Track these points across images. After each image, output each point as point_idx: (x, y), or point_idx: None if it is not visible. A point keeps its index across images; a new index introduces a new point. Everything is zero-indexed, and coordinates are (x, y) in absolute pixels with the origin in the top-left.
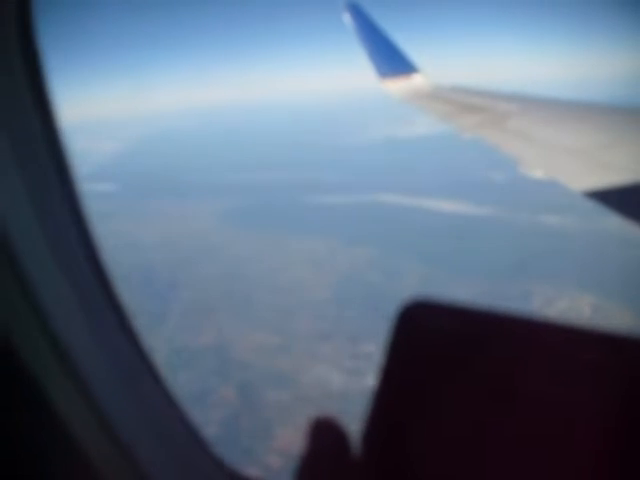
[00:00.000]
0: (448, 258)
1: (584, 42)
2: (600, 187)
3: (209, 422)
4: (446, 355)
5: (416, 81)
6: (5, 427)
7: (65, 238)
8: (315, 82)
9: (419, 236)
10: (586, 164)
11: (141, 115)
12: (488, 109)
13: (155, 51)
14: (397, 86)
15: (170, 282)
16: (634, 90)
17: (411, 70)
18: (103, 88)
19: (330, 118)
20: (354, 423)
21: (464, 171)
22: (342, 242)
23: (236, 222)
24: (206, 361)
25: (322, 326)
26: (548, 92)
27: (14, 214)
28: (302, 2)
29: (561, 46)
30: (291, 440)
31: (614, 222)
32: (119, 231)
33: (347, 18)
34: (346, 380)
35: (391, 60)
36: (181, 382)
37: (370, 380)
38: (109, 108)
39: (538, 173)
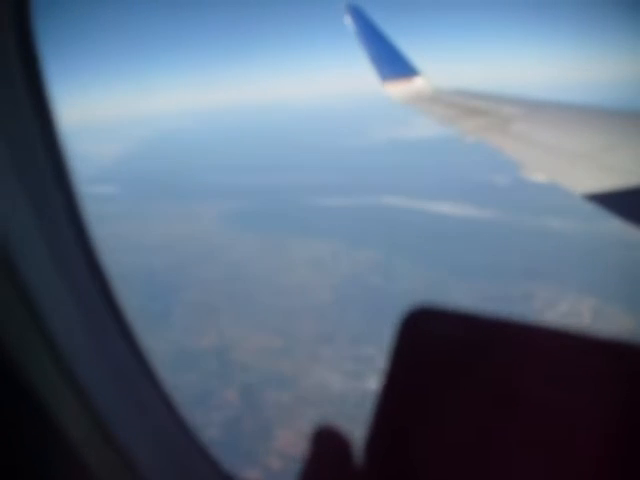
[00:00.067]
0: (450, 261)
1: (588, 45)
2: (602, 190)
3: (210, 424)
4: (450, 361)
5: (418, 84)
6: (1, 431)
7: (64, 242)
8: (317, 84)
9: (421, 239)
10: (588, 167)
11: (142, 117)
12: (491, 112)
13: (156, 53)
14: (399, 89)
15: (172, 284)
16: (638, 93)
17: (413, 73)
18: (104, 91)
19: (332, 120)
20: (355, 425)
21: (467, 174)
22: (344, 244)
23: (238, 224)
24: (208, 363)
25: (324, 329)
26: (551, 95)
27: (13, 218)
28: (303, 4)
29: (565, 49)
30: (292, 442)
31: (615, 225)
32: (120, 233)
33: (348, 20)
34: (347, 383)
35: (393, 63)
36: (183, 384)
37: (371, 383)
38: (110, 111)
39: (540, 176)
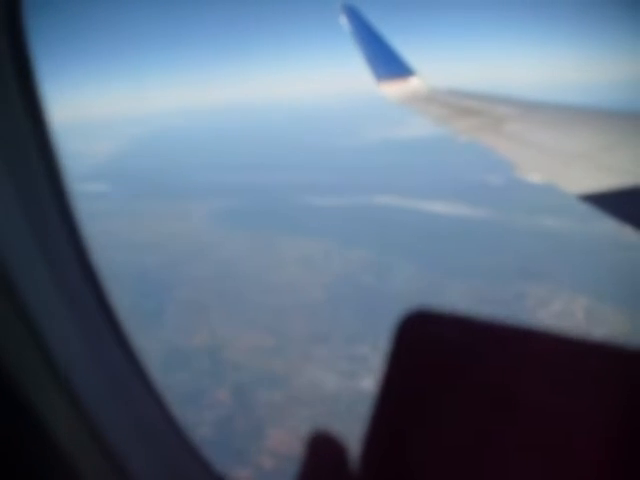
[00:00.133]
0: (443, 260)
1: (584, 46)
2: (596, 190)
3: (202, 423)
4: (447, 364)
5: (413, 84)
6: None
7: (55, 240)
8: (311, 84)
9: (414, 238)
10: (583, 168)
11: (135, 115)
12: (485, 112)
13: (150, 51)
14: (394, 89)
15: (163, 283)
16: (633, 95)
17: (408, 73)
18: (97, 89)
19: (325, 120)
20: (348, 425)
21: (460, 174)
22: (337, 244)
23: (230, 223)
24: (200, 362)
25: (316, 328)
26: (546, 96)
27: (3, 217)
28: (299, 4)
29: (560, 50)
30: (284, 441)
31: (609, 225)
32: (112, 231)
33: (344, 20)
34: (340, 382)
35: (388, 63)
36: (175, 383)
37: (364, 382)
38: (103, 109)
39: (534, 177)
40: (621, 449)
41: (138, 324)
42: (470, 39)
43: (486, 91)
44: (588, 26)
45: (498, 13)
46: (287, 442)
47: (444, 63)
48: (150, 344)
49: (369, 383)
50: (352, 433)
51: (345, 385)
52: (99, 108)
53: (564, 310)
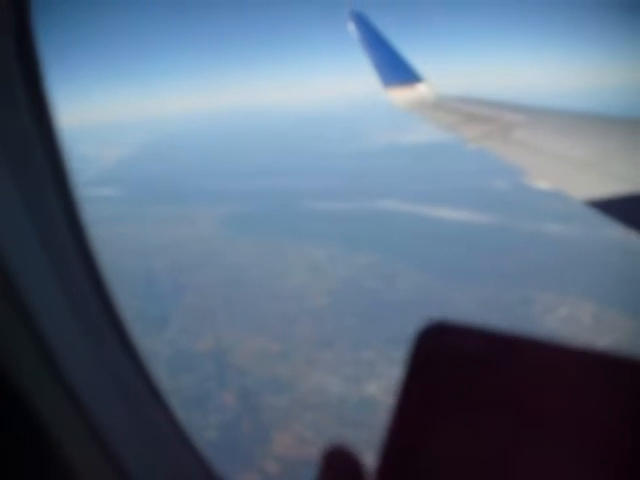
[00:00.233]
0: (449, 266)
1: (593, 51)
2: (604, 197)
3: (208, 427)
4: (466, 378)
5: (420, 91)
6: None
7: (62, 245)
8: (318, 89)
9: (420, 243)
10: (590, 174)
11: (145, 121)
12: (493, 120)
13: (159, 57)
14: (401, 95)
15: (171, 287)
16: None
17: (416, 79)
18: (108, 94)
19: (332, 125)
20: (353, 430)
21: (467, 180)
22: (342, 249)
23: (238, 228)
24: (206, 366)
25: (321, 333)
26: (555, 102)
27: (10, 221)
28: (307, 11)
29: (569, 56)
30: (289, 446)
31: (616, 231)
32: (121, 235)
33: (352, 27)
34: (345, 387)
35: (395, 69)
36: (181, 387)
37: (369, 387)
38: (114, 113)
39: (542, 183)
40: None
41: (145, 328)
42: (479, 46)
43: (493, 98)
44: (595, 31)
45: (505, 20)
46: (292, 446)
47: (451, 69)
48: (157, 348)
49: (374, 388)
50: (357, 438)
51: (350, 390)
52: (109, 113)
53: (571, 316)
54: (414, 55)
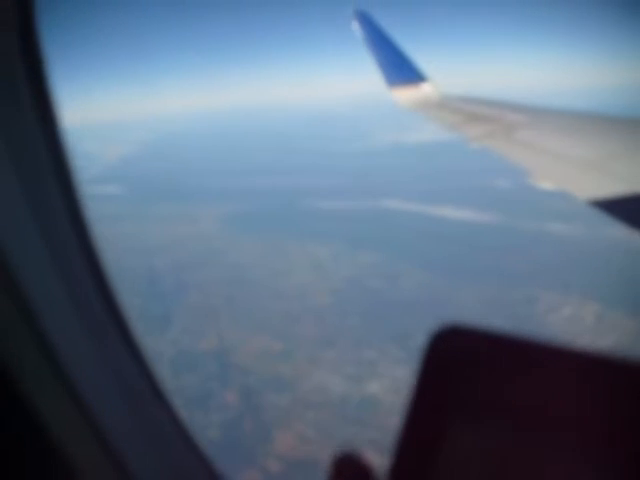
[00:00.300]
0: (452, 265)
1: (595, 51)
2: (608, 197)
3: (210, 425)
4: (481, 382)
5: (425, 90)
6: None
7: (65, 243)
8: (322, 88)
9: (423, 242)
10: (594, 174)
11: (148, 119)
12: (496, 119)
13: (163, 55)
14: (405, 95)
15: (173, 286)
16: None
17: (420, 79)
18: (111, 92)
19: (336, 124)
20: (355, 428)
21: (470, 179)
22: (345, 248)
23: (241, 227)
24: (208, 365)
25: (324, 332)
26: (557, 101)
27: (13, 219)
28: (313, 10)
29: (570, 55)
30: (291, 445)
31: (620, 231)
32: (124, 233)
33: (356, 26)
34: (347, 386)
35: (400, 69)
36: (183, 385)
37: (371, 386)
38: (116, 111)
39: (545, 183)
40: None
41: (147, 326)
42: (483, 46)
43: (497, 98)
44: (597, 30)
45: (508, 19)
46: (294, 445)
47: (455, 68)
48: (159, 346)
49: (376, 387)
50: (359, 437)
51: (352, 389)
52: (111, 111)
53: (574, 315)
54: (418, 54)
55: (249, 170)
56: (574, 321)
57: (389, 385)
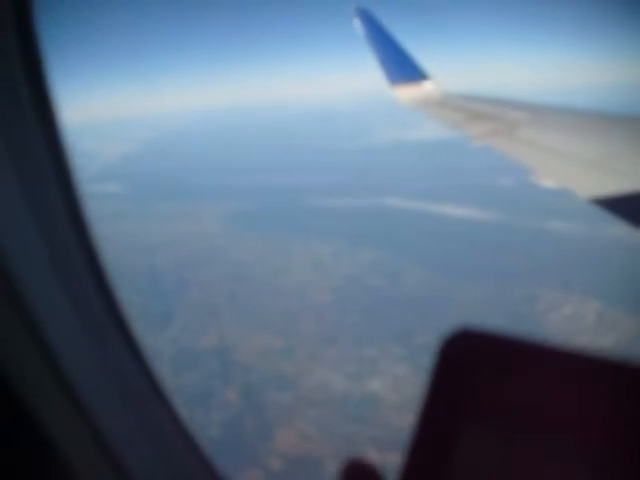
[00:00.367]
0: (454, 263)
1: (596, 49)
2: (608, 194)
3: (211, 423)
4: (492, 386)
5: (426, 88)
6: None
7: (64, 242)
8: (323, 86)
9: (424, 240)
10: (595, 172)
11: (149, 117)
12: (498, 117)
13: (164, 53)
14: (407, 93)
15: (174, 284)
16: None
17: (421, 77)
18: (110, 90)
19: (337, 122)
20: (356, 426)
21: (472, 177)
22: (346, 245)
23: (242, 225)
24: (209, 363)
25: (325, 329)
26: (559, 99)
27: (12, 218)
28: (314, 8)
29: (576, 53)
30: (292, 442)
31: (621, 229)
32: (125, 232)
33: (357, 24)
34: (348, 384)
35: (401, 67)
36: (184, 383)
37: (372, 384)
38: (116, 110)
39: (547, 181)
40: None
41: (149, 324)
42: (485, 43)
43: (499, 95)
44: (599, 28)
45: (510, 17)
46: (295, 443)
47: (456, 66)
48: (160, 344)
49: (377, 385)
50: (360, 435)
51: (353, 387)
52: (110, 109)
53: (575, 313)
54: (420, 52)
55: (250, 168)
56: (575, 319)
57: (390, 383)
